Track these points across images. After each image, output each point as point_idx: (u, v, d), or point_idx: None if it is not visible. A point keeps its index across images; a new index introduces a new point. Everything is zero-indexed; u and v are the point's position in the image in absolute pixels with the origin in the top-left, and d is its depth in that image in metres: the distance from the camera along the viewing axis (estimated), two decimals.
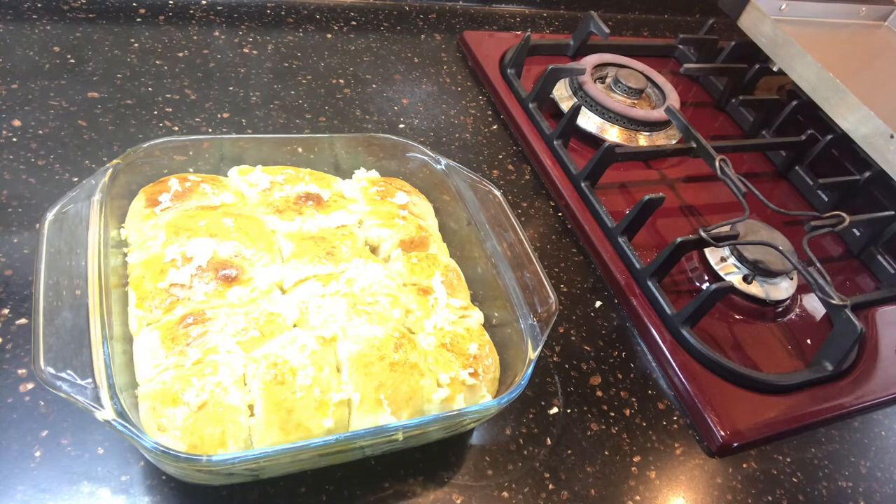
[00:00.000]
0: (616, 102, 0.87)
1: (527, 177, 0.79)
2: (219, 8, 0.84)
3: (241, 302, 0.47)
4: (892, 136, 0.78)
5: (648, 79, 0.93)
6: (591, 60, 0.91)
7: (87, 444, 0.46)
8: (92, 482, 0.45)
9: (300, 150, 0.60)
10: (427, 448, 0.52)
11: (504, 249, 0.56)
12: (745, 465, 0.59)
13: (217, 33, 0.81)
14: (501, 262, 0.55)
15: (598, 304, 0.68)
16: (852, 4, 1.06)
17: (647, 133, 0.87)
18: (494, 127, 0.84)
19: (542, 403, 0.58)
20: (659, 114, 0.87)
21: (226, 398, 0.41)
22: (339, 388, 0.44)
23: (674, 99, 0.90)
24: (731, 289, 0.67)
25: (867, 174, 0.86)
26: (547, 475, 0.53)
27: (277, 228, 0.53)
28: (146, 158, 0.53)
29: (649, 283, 0.67)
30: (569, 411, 0.58)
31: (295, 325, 0.47)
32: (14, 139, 0.62)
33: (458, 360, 0.49)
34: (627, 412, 0.59)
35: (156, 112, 0.70)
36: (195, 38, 0.80)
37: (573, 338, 0.64)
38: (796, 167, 0.91)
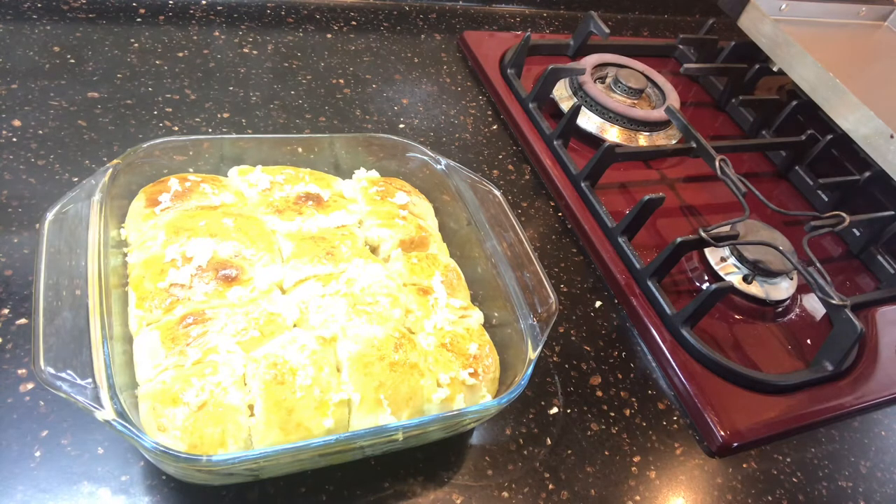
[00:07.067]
0: (616, 102, 0.87)
1: (527, 177, 0.79)
2: (219, 8, 0.84)
3: (241, 302, 0.47)
4: (892, 136, 0.78)
5: (648, 79, 0.93)
6: (591, 60, 0.91)
7: (87, 444, 0.46)
8: (92, 482, 0.45)
9: (300, 150, 0.60)
10: (427, 448, 0.52)
11: (504, 249, 0.56)
12: (745, 465, 0.59)
13: (217, 33, 0.81)
14: (501, 262, 0.55)
15: (598, 304, 0.68)
16: (852, 4, 1.06)
17: (647, 133, 0.87)
18: (494, 127, 0.84)
19: (542, 403, 0.58)
20: (659, 114, 0.87)
21: (226, 398, 0.41)
22: (339, 388, 0.44)
23: (674, 99, 0.90)
24: (731, 289, 0.67)
25: (867, 174, 0.86)
26: (547, 475, 0.53)
27: (277, 228, 0.53)
28: (146, 158, 0.53)
29: (649, 283, 0.67)
30: (569, 411, 0.58)
31: (295, 325, 0.47)
32: (14, 139, 0.62)
33: (458, 360, 0.49)
34: (627, 412, 0.59)
35: (156, 112, 0.70)
36: (195, 38, 0.80)
37: (573, 338, 0.64)
38: (796, 167, 0.90)
